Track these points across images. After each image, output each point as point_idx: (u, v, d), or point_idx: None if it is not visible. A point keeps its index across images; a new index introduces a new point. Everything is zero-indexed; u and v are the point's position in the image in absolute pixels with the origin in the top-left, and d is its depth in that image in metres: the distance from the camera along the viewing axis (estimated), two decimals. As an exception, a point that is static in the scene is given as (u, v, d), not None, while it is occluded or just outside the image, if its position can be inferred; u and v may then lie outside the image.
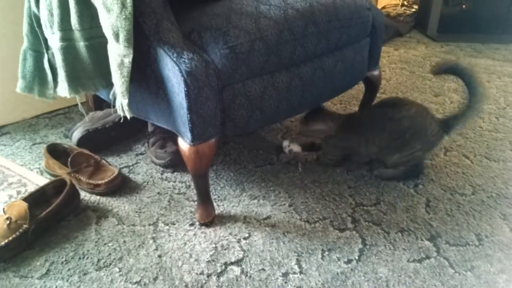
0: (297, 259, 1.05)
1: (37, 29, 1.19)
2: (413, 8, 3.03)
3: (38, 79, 1.23)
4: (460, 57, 2.30)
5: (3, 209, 1.11)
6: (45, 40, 1.18)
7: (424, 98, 1.85)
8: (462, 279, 0.99)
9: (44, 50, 1.20)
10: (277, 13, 1.09)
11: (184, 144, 1.05)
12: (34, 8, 1.16)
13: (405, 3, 3.12)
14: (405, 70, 2.14)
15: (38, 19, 1.17)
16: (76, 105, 1.18)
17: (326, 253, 1.07)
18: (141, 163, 1.43)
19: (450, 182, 1.32)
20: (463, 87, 1.25)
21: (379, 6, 3.04)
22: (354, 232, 1.13)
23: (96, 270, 1.03)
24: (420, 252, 1.07)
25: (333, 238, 1.11)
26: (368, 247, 1.08)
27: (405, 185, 1.30)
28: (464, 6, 2.70)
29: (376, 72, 1.47)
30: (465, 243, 1.09)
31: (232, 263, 1.04)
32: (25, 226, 1.07)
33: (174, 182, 1.33)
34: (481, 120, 1.67)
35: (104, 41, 1.04)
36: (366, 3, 1.33)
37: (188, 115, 0.98)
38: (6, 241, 1.04)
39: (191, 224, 1.16)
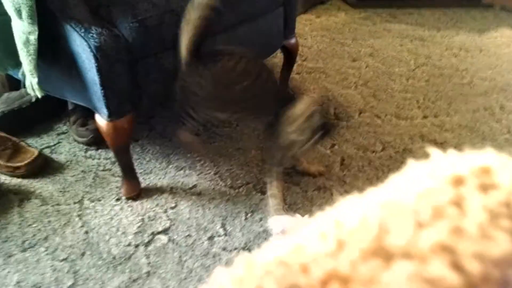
0: (222, 223, 1.11)
1: None
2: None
3: None
4: (377, 23, 2.42)
5: None
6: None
7: (342, 64, 1.95)
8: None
9: None
10: (188, -16, 1.10)
11: (101, 120, 1.06)
12: None
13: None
14: (326, 37, 2.22)
15: None
16: None
17: (249, 215, 1.14)
18: (63, 142, 1.41)
19: (363, 141, 1.42)
20: None
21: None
22: (275, 193, 1.21)
23: (21, 252, 1.03)
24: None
25: (256, 201, 1.18)
26: (288, 205, 1.16)
27: (322, 146, 1.39)
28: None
29: (292, 40, 1.52)
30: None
31: (159, 233, 1.08)
32: None
33: (99, 159, 1.33)
34: (392, 82, 1.79)
35: (8, 19, 1.00)
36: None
37: (102, 91, 0.98)
38: None
39: (117, 199, 1.18)
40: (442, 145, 1.40)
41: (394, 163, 1.33)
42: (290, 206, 1.16)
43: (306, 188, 1.22)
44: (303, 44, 2.13)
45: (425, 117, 1.56)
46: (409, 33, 2.29)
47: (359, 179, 1.26)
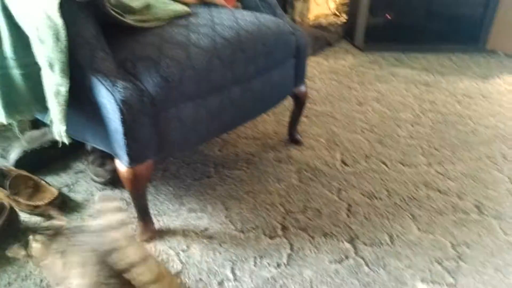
0: (231, 268, 1.15)
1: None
2: (342, 18, 3.23)
3: None
4: (383, 67, 2.51)
5: None
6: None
7: (349, 107, 2.02)
8: (375, 276, 1.14)
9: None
10: (207, 42, 1.18)
11: (121, 166, 1.12)
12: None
13: (336, 13, 3.32)
14: (334, 80, 2.31)
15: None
16: (9, 124, 1.21)
17: (258, 259, 1.18)
18: (81, 181, 1.47)
19: (369, 187, 1.47)
20: None
21: (311, 15, 3.21)
22: (283, 238, 1.25)
23: (39, 291, 1.07)
24: (340, 253, 1.20)
25: (265, 245, 1.22)
26: (295, 252, 1.21)
27: (329, 192, 1.44)
28: (387, 17, 2.92)
29: (302, 88, 1.60)
30: (379, 243, 1.24)
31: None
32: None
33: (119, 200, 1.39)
34: (398, 128, 1.86)
35: (39, 68, 1.08)
36: (290, 28, 1.45)
37: (124, 140, 1.05)
38: None
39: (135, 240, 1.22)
40: (445, 193, 1.45)
41: (399, 211, 1.37)
42: (297, 252, 1.20)
43: (314, 234, 1.27)
44: (312, 86, 2.21)
45: (429, 164, 1.62)
46: (415, 78, 2.37)
47: (365, 226, 1.30)
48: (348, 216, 1.35)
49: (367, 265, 1.17)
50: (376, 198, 1.43)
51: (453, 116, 1.98)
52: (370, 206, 1.39)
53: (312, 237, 1.26)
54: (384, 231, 1.29)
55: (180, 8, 1.35)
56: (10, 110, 1.16)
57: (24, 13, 1.02)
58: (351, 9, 2.91)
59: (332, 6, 3.36)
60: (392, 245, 1.24)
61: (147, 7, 1.29)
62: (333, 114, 1.96)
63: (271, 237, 1.25)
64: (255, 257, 1.18)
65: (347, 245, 1.23)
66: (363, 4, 2.68)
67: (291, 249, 1.21)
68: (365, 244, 1.24)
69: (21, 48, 1.09)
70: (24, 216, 1.30)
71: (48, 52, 1.01)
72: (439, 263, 1.18)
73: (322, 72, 2.41)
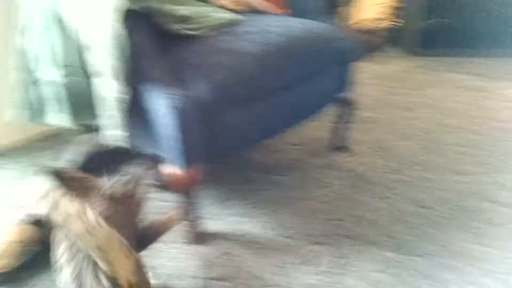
0: (272, 273, 1.16)
1: (27, 63, 1.28)
2: (390, 21, 3.16)
3: (29, 109, 1.33)
4: (433, 72, 2.43)
5: (13, 233, 1.19)
6: (35, 73, 1.27)
7: (397, 114, 1.97)
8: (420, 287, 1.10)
9: (34, 83, 1.29)
10: (255, 48, 1.21)
11: (173, 170, 1.16)
12: (26, 45, 1.26)
13: (385, 17, 3.25)
14: (382, 85, 2.26)
15: (28, 55, 1.27)
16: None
17: (300, 266, 1.18)
18: (131, 183, 1.53)
19: (417, 196, 1.43)
20: None
21: (359, 20, 3.17)
22: (325, 245, 1.24)
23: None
24: (385, 262, 1.18)
25: (307, 252, 1.22)
26: (338, 259, 1.19)
27: (373, 200, 1.42)
28: (441, 21, 2.82)
29: (349, 94, 1.58)
30: (427, 253, 1.21)
31: (215, 279, 1.14)
32: (36, 248, 1.17)
33: (165, 202, 1.43)
34: (448, 135, 1.79)
35: (102, 78, 1.14)
36: (339, 33, 1.45)
37: (176, 145, 1.09)
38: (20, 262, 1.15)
39: (179, 242, 1.26)
40: (499, 204, 1.38)
41: (449, 221, 1.32)
42: (340, 259, 1.19)
43: (357, 242, 1.25)
44: (359, 92, 2.18)
45: (482, 173, 1.55)
46: (467, 84, 2.28)
47: (412, 236, 1.27)
48: (394, 225, 1.31)
49: (413, 276, 1.14)
50: (425, 207, 1.39)
51: (507, 124, 1.88)
52: (418, 215, 1.35)
53: (356, 245, 1.24)
54: (432, 242, 1.25)
55: (230, 16, 1.38)
56: (75, 115, 1.24)
57: (86, 24, 1.09)
58: (402, 13, 2.84)
59: (381, 10, 3.30)
60: (440, 256, 1.20)
61: (199, 16, 1.33)
62: (380, 120, 1.92)
63: (313, 244, 1.25)
64: (297, 263, 1.18)
65: (392, 255, 1.20)
66: (415, 7, 2.61)
67: (334, 256, 1.20)
68: (412, 254, 1.20)
69: (87, 58, 1.16)
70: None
71: (111, 60, 1.07)
72: (491, 276, 1.12)
73: (370, 77, 2.37)
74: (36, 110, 1.31)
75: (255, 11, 1.56)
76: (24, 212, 1.26)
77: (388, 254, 1.21)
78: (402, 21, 2.82)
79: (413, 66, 2.52)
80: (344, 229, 1.30)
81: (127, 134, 1.13)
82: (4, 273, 1.12)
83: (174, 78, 1.11)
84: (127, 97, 1.08)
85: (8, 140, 1.78)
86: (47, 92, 1.26)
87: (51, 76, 1.24)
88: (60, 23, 1.14)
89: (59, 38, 1.16)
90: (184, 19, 1.29)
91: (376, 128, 1.85)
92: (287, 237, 1.28)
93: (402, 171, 1.56)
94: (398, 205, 1.39)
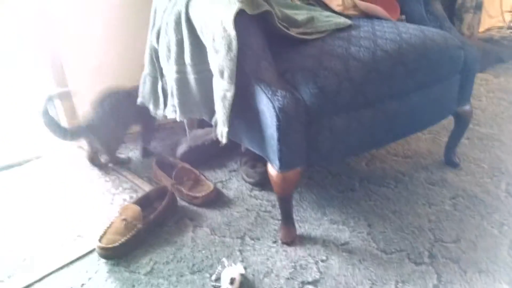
0: (370, 287, 1.11)
1: (155, 60, 1.40)
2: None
3: (153, 100, 1.45)
4: None
5: (119, 211, 1.32)
6: (161, 69, 1.39)
7: (522, 133, 1.78)
8: (541, 329, 0.98)
9: (159, 77, 1.41)
10: (366, 54, 1.17)
11: (272, 170, 1.17)
12: (154, 44, 1.38)
13: (512, 25, 2.96)
14: (504, 100, 2.06)
15: (157, 52, 1.38)
16: (181, 121, 1.38)
17: (400, 284, 1.12)
18: (233, 180, 1.59)
19: (540, 226, 1.28)
20: None
21: (482, 28, 2.92)
22: (430, 267, 1.16)
23: (191, 274, 1.19)
24: (498, 295, 1.07)
25: (408, 271, 1.15)
26: (443, 283, 1.11)
27: (489, 225, 1.29)
28: None
29: (467, 108, 1.46)
30: (549, 293, 1.07)
31: (308, 283, 1.13)
32: (139, 226, 1.27)
33: (261, 200, 1.46)
34: None
35: (210, 75, 1.20)
36: (458, 41, 1.34)
37: (278, 146, 1.10)
38: (125, 238, 1.24)
39: (274, 242, 1.28)
40: None
41: None
42: (445, 284, 1.10)
43: (466, 269, 1.15)
44: (477, 106, 2.01)
45: None
46: None
47: (531, 270, 1.13)
48: (509, 255, 1.18)
49: (531, 315, 1.01)
50: (549, 240, 1.23)
51: None
52: (540, 248, 1.20)
53: (464, 271, 1.14)
54: (556, 280, 1.10)
55: (342, 20, 1.37)
56: (184, 109, 1.32)
57: (204, 25, 1.15)
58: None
59: (508, 18, 3.01)
60: None
61: (311, 20, 1.34)
62: (499, 137, 1.75)
63: (416, 264, 1.18)
64: (396, 281, 1.12)
65: (507, 287, 1.09)
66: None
67: (438, 280, 1.12)
68: (531, 291, 1.07)
69: (198, 56, 1.23)
70: (183, 204, 1.46)
71: (220, 60, 1.12)
72: None
73: (490, 91, 2.17)
74: (159, 102, 1.43)
75: (369, 16, 1.52)
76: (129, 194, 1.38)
77: (502, 287, 1.09)
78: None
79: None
80: (453, 253, 1.20)
81: (229, 130, 1.18)
82: (112, 247, 1.22)
83: (282, 81, 1.12)
84: (231, 95, 1.12)
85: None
86: (168, 86, 1.36)
87: (166, 72, 1.34)
88: (187, 22, 1.22)
89: (185, 37, 1.24)
90: (298, 24, 1.30)
91: (495, 147, 1.69)
92: (389, 253, 1.22)
93: (525, 196, 1.40)
94: (517, 233, 1.25)
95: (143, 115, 1.56)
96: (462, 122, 1.50)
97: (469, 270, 1.14)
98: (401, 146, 1.73)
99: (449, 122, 1.59)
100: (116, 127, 1.60)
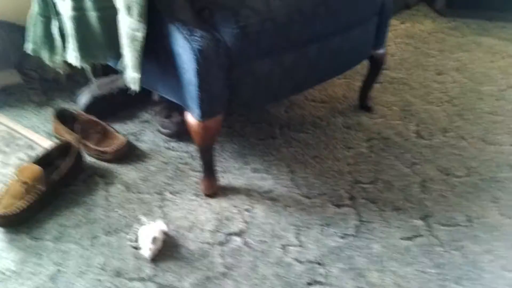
0: (296, 233, 1.11)
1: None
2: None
3: (48, 45, 1.25)
4: (466, 34, 2.29)
5: (16, 172, 1.15)
6: (54, 5, 1.18)
7: (426, 76, 1.87)
8: (450, 257, 1.06)
9: (53, 16, 1.20)
10: (289, -7, 1.10)
11: (191, 119, 1.08)
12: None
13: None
14: (410, 45, 2.14)
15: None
16: (81, 69, 1.21)
17: (324, 227, 1.13)
18: (146, 131, 1.47)
19: (446, 163, 1.36)
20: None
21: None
22: (351, 208, 1.19)
23: (106, 235, 1.08)
24: (412, 230, 1.13)
25: (331, 214, 1.17)
26: (363, 223, 1.14)
27: (402, 165, 1.35)
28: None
29: (381, 51, 1.48)
30: (456, 224, 1.15)
31: (234, 234, 1.10)
32: (41, 188, 1.12)
33: (179, 152, 1.38)
34: (480, 101, 1.70)
35: (115, 11, 1.05)
36: (377, -18, 1.32)
37: (197, 92, 1.01)
38: (26, 203, 1.09)
39: (196, 195, 1.21)
40: (533, 177, 1.32)
41: (479, 191, 1.26)
42: (365, 224, 1.14)
43: (384, 208, 1.19)
44: (386, 51, 2.06)
45: (514, 144, 1.47)
46: (501, 49, 2.15)
47: (440, 204, 1.21)
48: (422, 192, 1.25)
49: (441, 245, 1.09)
50: (454, 175, 1.32)
51: (544, 94, 1.78)
52: (447, 183, 1.29)
53: (382, 210, 1.19)
54: (461, 212, 1.19)
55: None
56: (84, 53, 1.14)
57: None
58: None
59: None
60: (469, 227, 1.14)
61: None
62: (408, 82, 1.82)
63: (338, 206, 1.20)
64: (320, 225, 1.14)
65: (420, 223, 1.15)
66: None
67: (359, 220, 1.15)
68: (440, 224, 1.15)
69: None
70: (91, 160, 1.32)
71: (125, -6, 0.97)
72: (522, 252, 1.08)
73: (398, 36, 2.24)
74: (55, 46, 1.22)
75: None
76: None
77: (416, 222, 1.15)
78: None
79: (442, 27, 2.38)
80: (371, 193, 1.24)
81: (141, 76, 1.05)
82: (11, 214, 1.07)
83: (200, 20, 1.02)
84: (141, 35, 0.99)
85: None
86: (65, 27, 1.17)
87: (62, 8, 1.15)
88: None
89: None
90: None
91: (405, 90, 1.76)
92: (312, 197, 1.22)
93: (432, 137, 1.48)
94: (426, 172, 1.33)
95: None
96: (376, 66, 1.52)
97: (387, 209, 1.19)
98: (317, 91, 1.72)
99: (361, 67, 1.61)
100: None
